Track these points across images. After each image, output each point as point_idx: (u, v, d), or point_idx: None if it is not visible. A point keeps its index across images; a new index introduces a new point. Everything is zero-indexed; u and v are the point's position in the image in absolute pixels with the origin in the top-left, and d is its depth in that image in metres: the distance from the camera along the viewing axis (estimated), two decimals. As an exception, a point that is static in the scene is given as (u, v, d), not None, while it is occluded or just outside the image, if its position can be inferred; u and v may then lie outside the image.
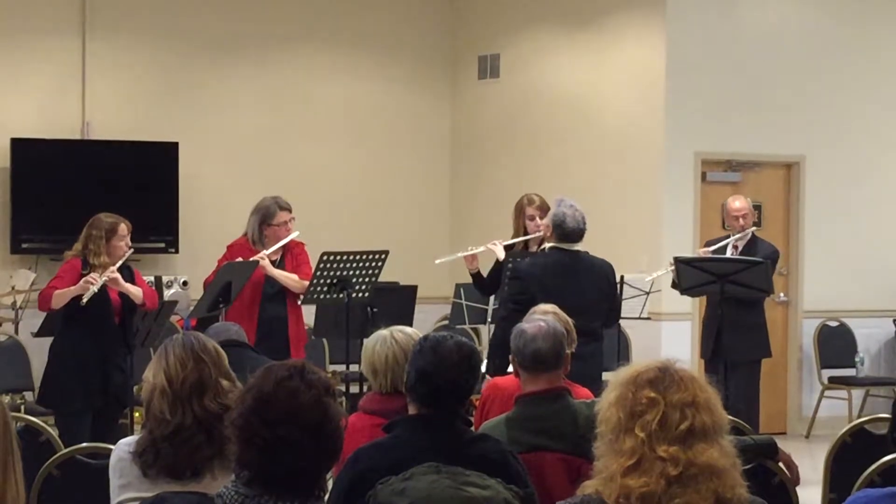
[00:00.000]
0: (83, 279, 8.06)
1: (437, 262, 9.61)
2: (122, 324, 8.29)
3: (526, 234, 8.95)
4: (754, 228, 10.16)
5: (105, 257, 8.16)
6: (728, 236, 10.00)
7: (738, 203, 10.03)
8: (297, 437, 3.22)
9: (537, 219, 8.88)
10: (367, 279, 8.96)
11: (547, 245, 7.74)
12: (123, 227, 8.25)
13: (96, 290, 8.03)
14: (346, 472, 4.09)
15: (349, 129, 13.06)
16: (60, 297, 8.11)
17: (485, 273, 9.12)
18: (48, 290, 8.19)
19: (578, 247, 7.66)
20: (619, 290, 8.18)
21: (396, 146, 13.27)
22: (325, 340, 11.16)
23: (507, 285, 8.15)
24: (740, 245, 9.91)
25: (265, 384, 3.28)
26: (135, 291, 8.24)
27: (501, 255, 8.91)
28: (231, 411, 3.35)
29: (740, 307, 9.52)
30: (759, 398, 9.89)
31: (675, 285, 9.77)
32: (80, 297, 8.07)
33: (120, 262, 8.19)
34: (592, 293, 7.51)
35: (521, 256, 8.57)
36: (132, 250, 8.34)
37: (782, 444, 5.17)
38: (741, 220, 9.95)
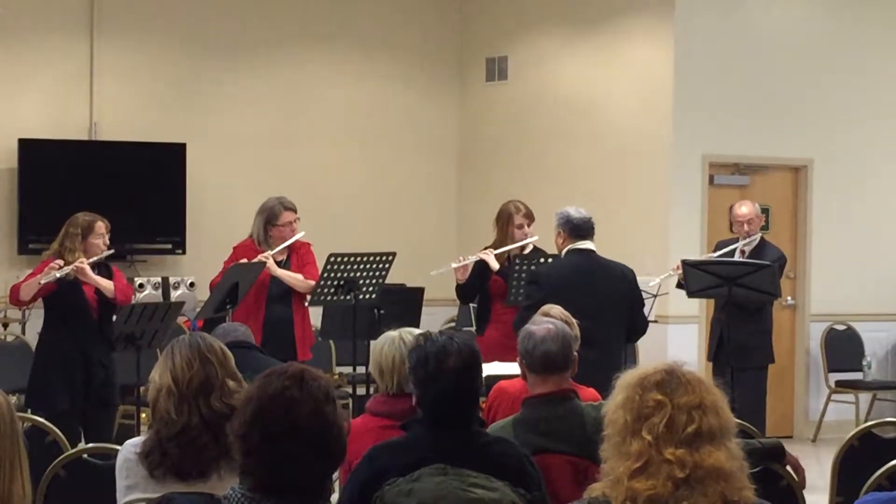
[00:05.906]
0: (47, 266, 8.02)
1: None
2: (100, 320, 8.25)
3: (514, 242, 8.82)
4: (762, 233, 10.13)
5: (81, 255, 8.11)
6: (737, 239, 9.99)
7: (743, 209, 9.99)
8: (298, 450, 3.18)
9: (525, 227, 8.84)
10: (374, 281, 8.95)
11: (564, 249, 7.70)
12: (101, 226, 8.22)
13: (58, 275, 7.94)
14: (361, 471, 4.06)
15: (356, 132, 13.05)
16: (28, 288, 8.10)
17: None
18: (16, 285, 8.19)
19: (592, 246, 7.63)
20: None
21: (404, 148, 13.26)
22: (331, 342, 11.15)
23: (524, 289, 8.10)
24: (748, 250, 9.88)
25: (262, 396, 3.24)
26: (105, 284, 8.16)
27: (495, 265, 8.82)
28: (233, 419, 3.33)
29: (745, 313, 9.50)
30: (766, 404, 9.85)
31: (680, 286, 9.76)
32: (54, 296, 8.04)
33: (95, 260, 8.14)
34: (609, 297, 7.43)
35: (536, 260, 8.54)
36: (112, 251, 8.28)
37: (789, 448, 5.15)
38: (746, 225, 9.91)
